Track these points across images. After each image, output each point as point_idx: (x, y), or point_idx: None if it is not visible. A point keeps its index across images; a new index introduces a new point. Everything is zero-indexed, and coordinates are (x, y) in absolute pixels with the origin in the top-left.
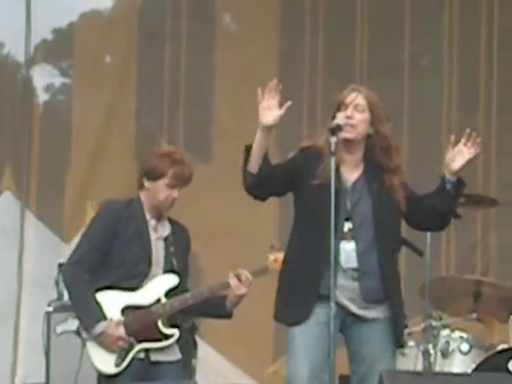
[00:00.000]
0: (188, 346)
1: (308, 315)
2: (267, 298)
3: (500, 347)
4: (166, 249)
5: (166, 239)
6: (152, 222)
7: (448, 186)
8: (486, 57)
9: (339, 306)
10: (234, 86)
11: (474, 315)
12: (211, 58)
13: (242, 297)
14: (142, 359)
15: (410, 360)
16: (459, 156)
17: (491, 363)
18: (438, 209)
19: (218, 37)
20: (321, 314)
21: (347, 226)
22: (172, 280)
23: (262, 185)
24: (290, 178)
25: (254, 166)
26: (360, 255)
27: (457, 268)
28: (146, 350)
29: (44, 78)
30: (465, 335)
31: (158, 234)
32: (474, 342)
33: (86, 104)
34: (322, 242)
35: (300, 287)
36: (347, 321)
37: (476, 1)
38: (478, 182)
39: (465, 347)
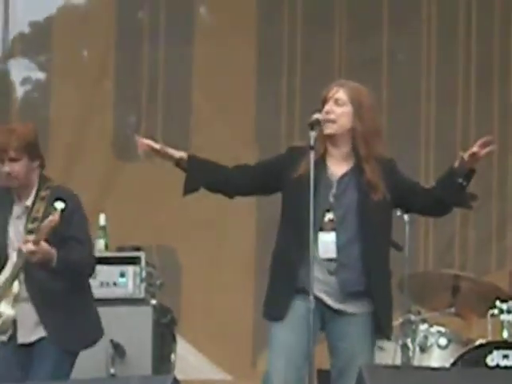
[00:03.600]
0: (166, 341)
1: (285, 312)
2: (246, 295)
3: (478, 342)
4: (26, 226)
5: (29, 215)
6: (17, 202)
7: (459, 180)
8: (464, 50)
9: (317, 299)
10: (212, 78)
11: (453, 310)
12: (189, 50)
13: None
14: (5, 342)
15: (389, 354)
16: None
17: (469, 358)
18: (446, 200)
19: (195, 28)
20: (300, 307)
21: (328, 216)
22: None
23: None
24: (270, 177)
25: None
26: (340, 247)
27: (435, 263)
28: (13, 333)
29: (21, 71)
30: (443, 330)
31: (19, 212)
32: (452, 336)
33: (63, 98)
34: (301, 235)
35: (279, 283)
36: (326, 315)
37: None
38: None
39: (443, 342)
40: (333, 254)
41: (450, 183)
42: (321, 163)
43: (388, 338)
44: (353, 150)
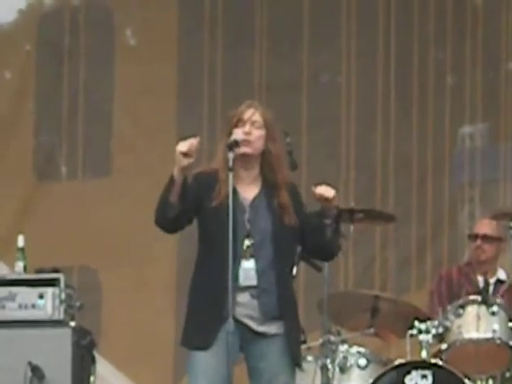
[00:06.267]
0: (86, 363)
1: (212, 341)
2: (167, 316)
3: (397, 362)
4: None
5: None
6: None
7: (327, 221)
8: (384, 73)
9: (238, 322)
10: (133, 100)
11: (372, 330)
12: (110, 73)
13: None
14: None
15: (309, 375)
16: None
17: (388, 378)
18: (319, 243)
19: (117, 51)
20: (221, 333)
21: (246, 243)
22: None
23: (181, 216)
24: (192, 208)
25: (174, 197)
26: (259, 273)
27: (355, 283)
28: None
29: None
30: (362, 350)
31: None
32: (372, 356)
33: None
34: (222, 263)
35: (204, 312)
36: (246, 337)
37: (373, 18)
38: (376, 197)
39: (362, 362)
40: (253, 281)
41: (317, 222)
42: (231, 188)
43: (299, 366)
44: (260, 174)
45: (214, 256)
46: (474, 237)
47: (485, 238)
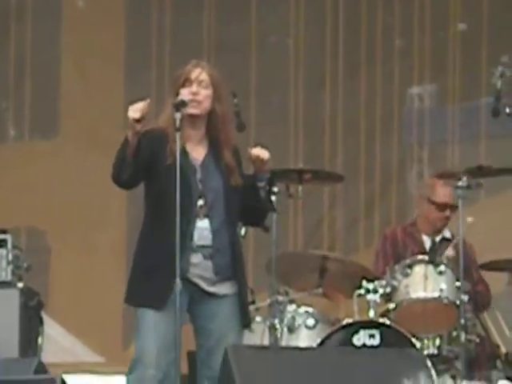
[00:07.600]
0: (33, 324)
1: (165, 302)
2: (116, 278)
3: (345, 322)
4: None
5: None
6: None
7: (261, 184)
8: (332, 34)
9: (189, 282)
10: (81, 61)
11: (320, 290)
12: (58, 34)
13: None
14: None
15: (257, 335)
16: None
17: (336, 337)
18: (252, 205)
19: (65, 13)
20: (173, 294)
21: (199, 203)
22: None
23: (136, 173)
24: (146, 165)
25: (130, 156)
26: (214, 232)
27: (304, 243)
28: None
29: None
30: (310, 310)
31: None
32: (320, 316)
33: None
34: (174, 223)
35: (157, 272)
36: (195, 296)
37: None
38: (324, 158)
39: (310, 322)
40: (207, 241)
41: (250, 184)
42: (180, 148)
43: (248, 327)
44: (207, 134)
45: (166, 216)
46: (442, 206)
47: (452, 208)
